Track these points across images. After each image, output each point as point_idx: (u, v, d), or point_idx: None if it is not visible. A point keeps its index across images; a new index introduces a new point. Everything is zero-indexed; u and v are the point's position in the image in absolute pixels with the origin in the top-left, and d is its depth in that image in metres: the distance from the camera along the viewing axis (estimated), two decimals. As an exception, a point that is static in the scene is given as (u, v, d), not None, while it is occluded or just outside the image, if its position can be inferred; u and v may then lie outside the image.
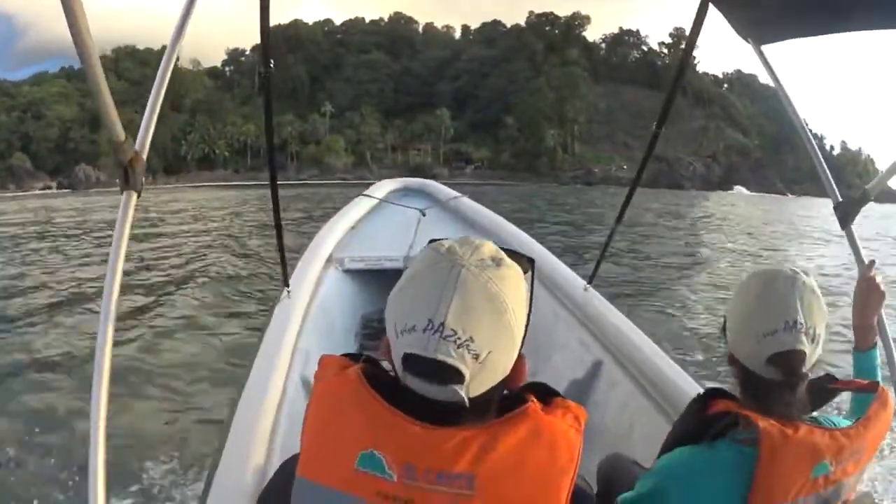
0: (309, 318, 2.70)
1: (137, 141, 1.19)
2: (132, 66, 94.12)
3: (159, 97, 1.33)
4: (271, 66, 2.09)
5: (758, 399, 1.10)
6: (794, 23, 1.99)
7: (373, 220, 4.14)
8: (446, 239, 0.88)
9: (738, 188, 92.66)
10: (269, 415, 1.79)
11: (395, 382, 0.84)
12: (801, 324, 1.06)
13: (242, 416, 1.76)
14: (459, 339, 0.78)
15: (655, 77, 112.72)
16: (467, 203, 4.23)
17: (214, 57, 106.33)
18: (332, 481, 0.83)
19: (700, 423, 1.11)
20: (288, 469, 0.95)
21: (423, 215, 3.86)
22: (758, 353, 1.09)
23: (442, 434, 0.80)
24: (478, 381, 0.81)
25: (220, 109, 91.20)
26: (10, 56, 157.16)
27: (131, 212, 1.16)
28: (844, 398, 1.30)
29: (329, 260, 3.50)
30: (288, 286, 2.70)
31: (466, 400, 0.80)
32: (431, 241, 0.91)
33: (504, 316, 0.80)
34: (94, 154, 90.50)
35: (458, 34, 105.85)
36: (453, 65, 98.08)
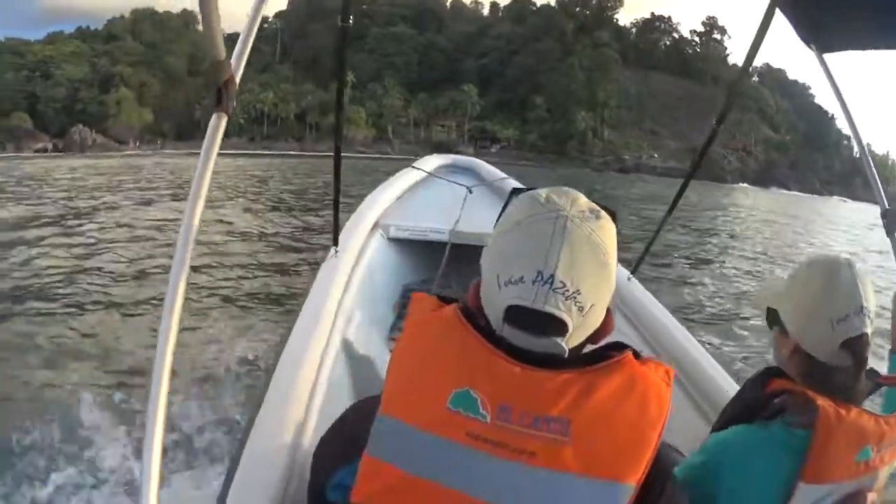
0: (353, 281, 2.72)
1: (232, 65, 1.18)
2: (150, 28, 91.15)
3: (255, 21, 1.30)
4: (350, 20, 2.10)
5: (824, 385, 1.12)
6: (863, 35, 2.07)
7: (420, 193, 4.17)
8: (534, 189, 0.88)
9: (776, 189, 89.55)
10: (310, 372, 1.82)
11: (489, 330, 0.84)
12: (866, 308, 1.11)
13: (282, 372, 1.79)
14: (568, 291, 0.79)
15: (685, 65, 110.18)
16: (514, 185, 3.88)
17: (235, 23, 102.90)
18: (418, 420, 0.81)
19: (756, 402, 1.15)
20: (362, 411, 0.95)
21: (470, 192, 3.88)
22: (831, 339, 1.11)
23: (542, 376, 0.79)
24: (578, 333, 0.82)
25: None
26: (29, 16, 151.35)
27: (220, 133, 1.16)
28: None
29: (375, 226, 3.52)
30: (336, 245, 2.74)
31: (567, 352, 0.80)
32: (515, 189, 0.92)
33: (606, 268, 0.81)
34: (101, 115, 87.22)
35: (486, 10, 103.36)
36: (480, 41, 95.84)
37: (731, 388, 2.02)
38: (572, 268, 0.79)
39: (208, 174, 1.11)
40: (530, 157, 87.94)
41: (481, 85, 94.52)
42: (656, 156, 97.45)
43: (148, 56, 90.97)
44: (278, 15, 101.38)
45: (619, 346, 0.84)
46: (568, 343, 0.81)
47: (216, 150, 1.13)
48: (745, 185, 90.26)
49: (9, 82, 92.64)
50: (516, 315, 0.80)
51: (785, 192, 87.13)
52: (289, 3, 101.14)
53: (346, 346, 2.29)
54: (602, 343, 0.86)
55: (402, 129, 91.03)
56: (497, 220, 0.90)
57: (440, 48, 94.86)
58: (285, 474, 1.36)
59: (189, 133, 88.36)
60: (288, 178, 31.16)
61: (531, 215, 0.82)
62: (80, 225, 13.27)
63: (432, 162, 4.70)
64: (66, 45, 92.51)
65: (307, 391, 1.71)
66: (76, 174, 30.13)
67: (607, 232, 0.83)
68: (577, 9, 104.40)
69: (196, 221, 1.07)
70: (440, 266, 3.27)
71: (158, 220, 13.80)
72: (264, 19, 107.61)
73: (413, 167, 4.37)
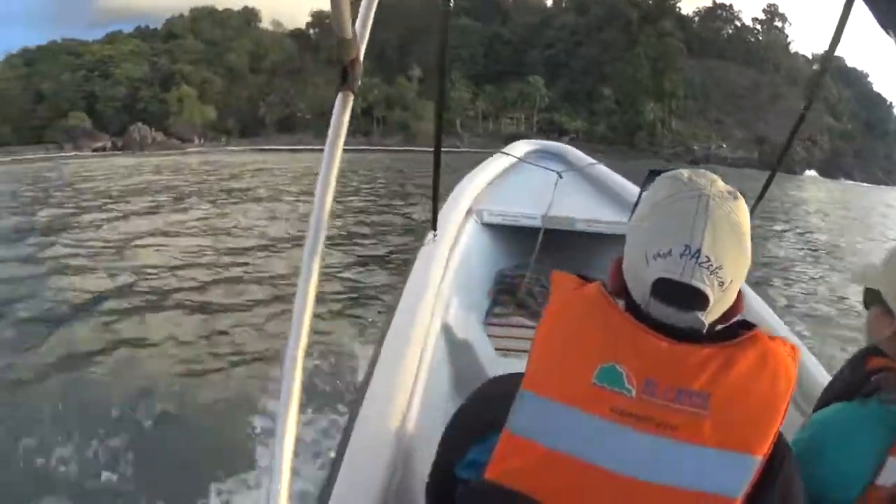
0: (450, 266, 2.76)
1: (356, 45, 1.18)
2: (210, 26, 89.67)
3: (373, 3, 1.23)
4: (451, 3, 2.06)
5: None
6: None
7: (511, 178, 4.18)
8: (672, 169, 0.92)
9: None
10: (413, 358, 1.86)
11: (633, 306, 0.87)
12: None
13: (386, 358, 1.84)
14: (712, 265, 0.81)
15: (748, 54, 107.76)
16: (603, 170, 4.25)
17: (298, 19, 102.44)
18: (563, 395, 0.82)
19: (856, 381, 1.16)
20: (495, 389, 0.98)
21: (561, 178, 3.83)
22: None
23: (685, 350, 0.81)
24: (716, 308, 0.84)
25: (303, 72, 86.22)
26: (85, 17, 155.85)
27: (348, 112, 1.18)
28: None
29: (469, 211, 3.56)
30: (435, 230, 2.77)
31: (706, 326, 0.83)
32: (652, 171, 0.95)
33: (743, 246, 0.84)
34: (163, 113, 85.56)
35: (549, 2, 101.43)
36: (544, 32, 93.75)
37: (824, 378, 1.94)
38: (715, 244, 0.81)
39: (338, 155, 1.12)
40: (601, 148, 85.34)
41: (548, 76, 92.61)
42: (725, 146, 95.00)
43: (209, 54, 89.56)
44: None
45: (747, 325, 0.87)
46: (706, 318, 0.83)
47: (344, 129, 1.13)
48: (814, 173, 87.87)
49: (66, 83, 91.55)
50: (664, 288, 0.83)
51: (851, 182, 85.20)
52: None
53: (446, 331, 2.31)
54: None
55: (470, 122, 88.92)
56: (637, 201, 0.94)
57: (505, 40, 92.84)
58: (392, 461, 1.38)
59: (253, 129, 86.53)
60: (358, 173, 31.28)
61: (674, 194, 0.86)
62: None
63: (521, 147, 4.61)
64: (124, 45, 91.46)
65: (410, 377, 1.73)
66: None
67: (743, 212, 0.85)
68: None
69: (328, 206, 1.09)
70: (533, 251, 3.26)
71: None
72: (326, 14, 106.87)
73: (503, 152, 4.30)
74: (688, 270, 0.81)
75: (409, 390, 1.65)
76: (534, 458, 0.82)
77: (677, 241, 0.82)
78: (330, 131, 1.12)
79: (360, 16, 1.19)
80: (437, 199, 2.59)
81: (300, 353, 0.94)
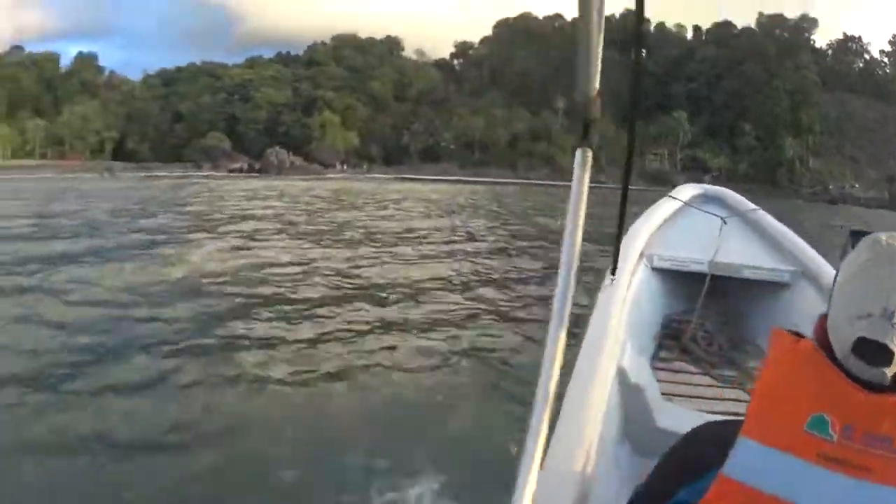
0: (624, 310, 2.86)
1: (598, 104, 1.25)
2: (353, 53, 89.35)
3: (597, 47, 1.24)
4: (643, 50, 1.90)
5: None
6: None
7: (678, 223, 4.29)
8: (875, 232, 1.00)
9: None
10: (596, 401, 1.97)
11: (836, 360, 0.95)
12: None
13: (570, 399, 1.93)
14: None
15: (878, 87, 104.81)
16: (765, 216, 4.35)
17: (441, 49, 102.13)
18: (779, 442, 0.90)
19: None
20: (706, 434, 1.07)
21: (725, 223, 3.96)
22: None
23: (877, 400, 0.90)
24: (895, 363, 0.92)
25: (447, 101, 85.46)
26: (226, 41, 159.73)
27: (588, 167, 1.27)
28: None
29: (640, 255, 3.66)
30: (614, 274, 2.83)
31: (888, 379, 0.91)
32: (854, 232, 1.05)
33: None
34: (304, 138, 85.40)
35: (689, 34, 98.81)
36: (687, 65, 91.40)
37: None
38: None
39: (582, 207, 1.23)
40: (743, 187, 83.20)
41: (690, 110, 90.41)
42: (857, 186, 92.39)
43: (351, 81, 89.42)
44: (484, 41, 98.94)
45: None
46: (889, 371, 0.92)
47: (586, 185, 1.23)
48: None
49: (205, 104, 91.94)
50: (862, 347, 0.91)
51: None
52: (493, 29, 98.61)
53: (620, 374, 2.40)
54: None
55: (616, 157, 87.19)
56: (841, 260, 1.03)
57: (649, 73, 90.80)
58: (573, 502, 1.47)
59: (397, 157, 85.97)
60: (506, 206, 31.39)
61: (873, 258, 0.94)
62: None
63: (686, 192, 4.64)
64: (265, 70, 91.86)
65: (593, 418, 1.84)
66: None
67: None
68: (777, 30, 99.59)
69: (576, 252, 1.18)
70: (699, 296, 3.36)
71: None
72: (469, 45, 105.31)
73: (669, 196, 4.40)
74: (883, 332, 0.89)
75: (591, 431, 1.72)
76: (747, 501, 0.89)
77: (876, 305, 0.90)
78: (573, 187, 1.20)
79: (585, 76, 1.22)
80: (619, 244, 2.54)
81: (555, 374, 1.04)
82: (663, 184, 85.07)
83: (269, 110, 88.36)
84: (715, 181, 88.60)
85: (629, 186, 1.79)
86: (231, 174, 73.83)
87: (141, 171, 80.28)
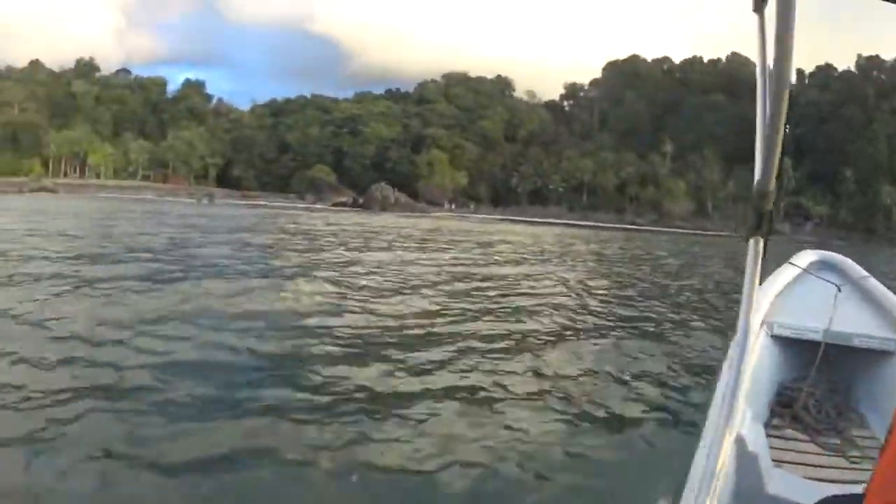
0: (745, 375, 2.89)
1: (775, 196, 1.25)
2: (463, 92, 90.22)
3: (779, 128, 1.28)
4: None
5: None
6: None
7: (796, 290, 4.30)
8: None
9: None
10: (720, 467, 2.08)
11: None
12: None
13: (698, 459, 2.05)
14: None
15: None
16: (875, 284, 4.32)
17: (552, 90, 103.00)
18: None
19: None
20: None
21: (839, 291, 3.97)
22: None
23: None
24: None
25: (556, 143, 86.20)
26: (336, 76, 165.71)
27: (760, 256, 1.30)
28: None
29: (762, 323, 3.74)
30: (738, 342, 2.92)
31: None
32: None
33: None
34: (411, 175, 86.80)
35: (793, 78, 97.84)
36: (791, 109, 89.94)
37: None
38: None
39: (754, 295, 1.23)
40: (842, 235, 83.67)
41: (795, 156, 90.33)
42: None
43: (461, 119, 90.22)
44: (593, 83, 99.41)
45: None
46: None
47: (758, 274, 1.22)
48: None
49: (313, 136, 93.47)
50: None
51: None
52: (603, 71, 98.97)
53: (738, 441, 2.49)
54: None
55: (720, 204, 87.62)
56: None
57: (754, 117, 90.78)
58: None
59: (504, 198, 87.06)
60: (617, 253, 29.78)
61: None
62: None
63: (805, 258, 4.64)
64: (374, 105, 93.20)
65: (714, 488, 1.91)
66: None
67: None
68: (875, 72, 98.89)
69: (750, 334, 1.18)
70: (813, 364, 3.41)
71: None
72: (580, 87, 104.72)
73: (789, 263, 4.47)
74: None
75: (711, 500, 1.85)
76: None
77: None
78: (746, 276, 1.20)
79: (759, 158, 1.18)
80: (749, 312, 2.68)
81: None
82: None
83: (378, 145, 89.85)
84: (816, 229, 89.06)
85: (759, 259, 2.16)
86: (333, 207, 75.24)
87: (242, 198, 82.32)
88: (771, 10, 1.66)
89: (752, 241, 1.38)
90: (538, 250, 24.21)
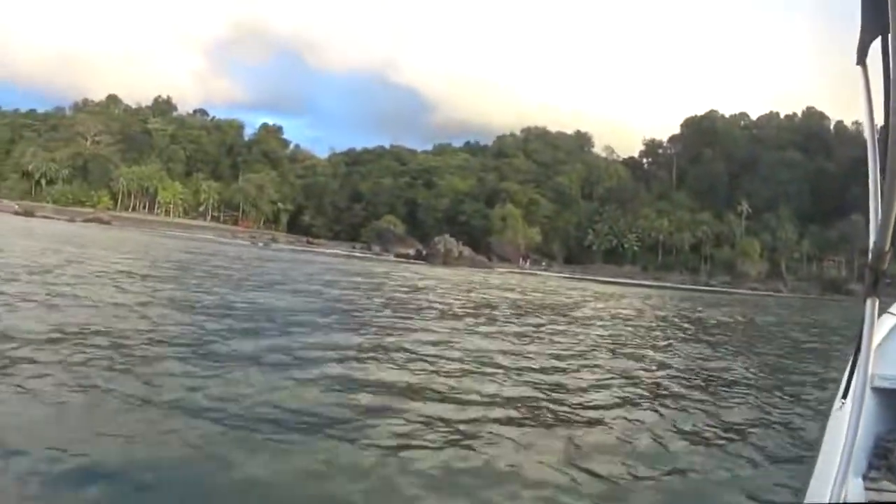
0: (850, 434, 2.73)
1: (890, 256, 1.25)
2: (542, 147, 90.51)
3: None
4: None
5: None
6: None
7: (893, 339, 4.08)
8: None
9: None
10: None
11: None
12: None
13: None
14: None
15: None
16: None
17: (631, 146, 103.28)
18: None
19: None
20: None
21: None
22: None
23: None
24: None
25: (633, 201, 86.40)
26: (418, 130, 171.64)
27: (875, 318, 1.32)
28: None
29: (865, 377, 3.22)
30: (845, 399, 2.89)
31: None
32: None
33: None
34: (484, 230, 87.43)
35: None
36: (865, 166, 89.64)
37: None
38: None
39: (871, 356, 1.23)
40: None
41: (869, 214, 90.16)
42: None
43: (538, 175, 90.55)
44: (672, 139, 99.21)
45: None
46: None
47: (874, 337, 1.21)
48: None
49: (386, 186, 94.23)
50: None
51: None
52: (681, 127, 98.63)
53: (836, 496, 2.46)
54: None
55: (794, 264, 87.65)
56: None
57: (829, 175, 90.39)
58: None
59: (578, 256, 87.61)
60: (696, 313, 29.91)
61: None
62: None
63: None
64: (452, 158, 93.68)
65: None
66: None
67: None
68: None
69: (866, 394, 1.24)
70: None
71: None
72: (658, 144, 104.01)
73: (888, 313, 4.20)
74: None
75: None
76: None
77: None
78: (863, 339, 1.28)
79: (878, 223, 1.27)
80: (853, 369, 2.69)
81: None
82: (837, 291, 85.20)
83: (451, 198, 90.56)
84: (890, 289, 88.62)
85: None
86: (397, 258, 75.38)
87: (307, 245, 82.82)
88: (872, 60, 1.75)
89: (868, 302, 1.41)
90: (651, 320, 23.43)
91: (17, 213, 73.89)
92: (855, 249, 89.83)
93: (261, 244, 74.33)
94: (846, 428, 2.63)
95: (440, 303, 19.50)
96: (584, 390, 8.45)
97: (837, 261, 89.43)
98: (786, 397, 9.21)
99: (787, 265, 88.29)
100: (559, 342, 13.11)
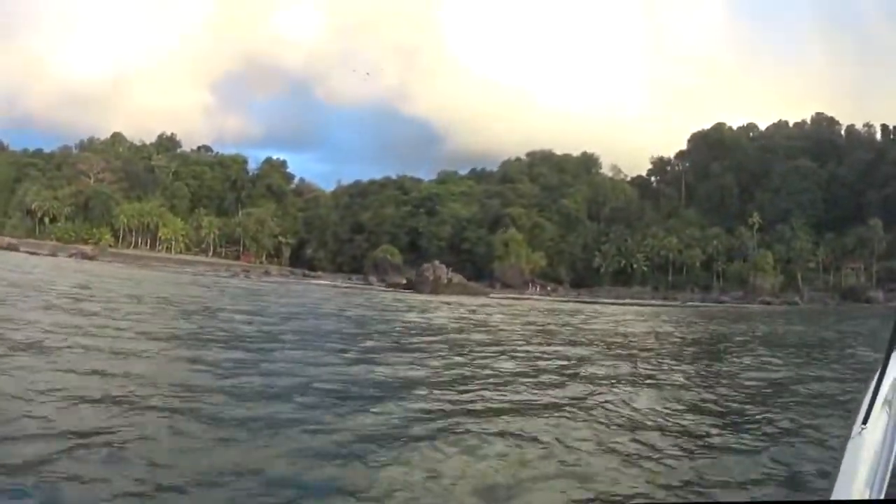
0: (870, 460, 2.63)
1: None
2: (547, 170, 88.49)
3: None
4: None
5: None
6: None
7: None
8: None
9: None
10: None
11: None
12: None
13: None
14: None
15: None
16: None
17: (639, 165, 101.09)
18: None
19: None
20: None
21: None
22: None
23: None
24: None
25: (640, 220, 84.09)
26: (429, 161, 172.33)
27: None
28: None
29: (884, 401, 3.22)
30: (865, 425, 2.67)
31: None
32: None
33: None
34: (487, 256, 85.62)
35: (878, 135, 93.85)
36: (879, 169, 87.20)
37: None
38: None
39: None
40: None
41: (885, 217, 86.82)
42: None
43: (543, 199, 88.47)
44: (679, 155, 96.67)
45: None
46: None
47: None
48: None
49: (387, 216, 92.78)
50: None
51: None
52: (688, 142, 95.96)
53: None
54: None
55: (809, 275, 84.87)
56: None
57: (841, 181, 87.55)
58: None
59: (586, 279, 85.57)
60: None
61: None
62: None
63: None
64: (456, 185, 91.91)
65: None
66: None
67: None
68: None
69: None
70: None
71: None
72: (666, 161, 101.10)
73: None
74: None
75: None
76: None
77: None
78: (889, 364, 1.29)
79: None
80: (875, 398, 2.43)
81: None
82: (857, 299, 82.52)
83: (454, 225, 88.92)
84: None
85: None
86: (386, 287, 73.09)
87: (302, 277, 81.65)
88: None
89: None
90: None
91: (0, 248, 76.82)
92: (873, 255, 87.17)
93: (253, 277, 74.30)
94: (864, 452, 2.49)
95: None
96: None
97: (856, 268, 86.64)
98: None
99: (804, 276, 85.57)
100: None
